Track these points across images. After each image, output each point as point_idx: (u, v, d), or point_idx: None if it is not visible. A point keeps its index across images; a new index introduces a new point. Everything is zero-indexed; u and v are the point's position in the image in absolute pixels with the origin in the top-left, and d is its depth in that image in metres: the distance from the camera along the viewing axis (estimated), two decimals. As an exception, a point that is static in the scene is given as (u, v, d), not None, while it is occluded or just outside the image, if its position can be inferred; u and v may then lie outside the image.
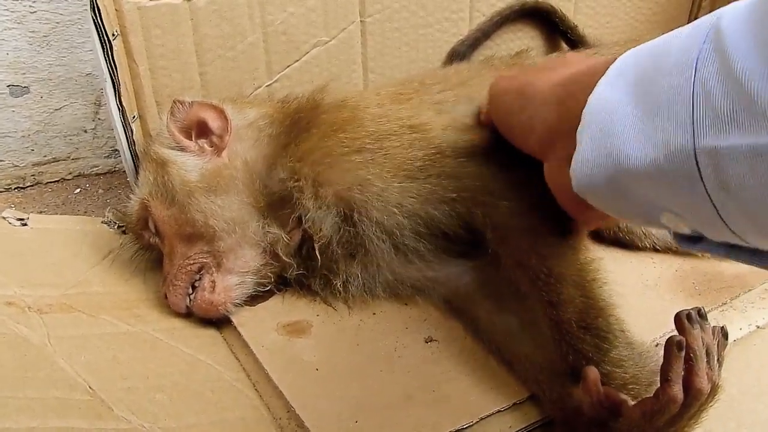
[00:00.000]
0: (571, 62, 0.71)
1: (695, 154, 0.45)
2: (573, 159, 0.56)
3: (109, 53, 0.93)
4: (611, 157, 0.52)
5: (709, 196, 0.46)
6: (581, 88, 0.58)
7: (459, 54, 1.24)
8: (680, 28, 0.52)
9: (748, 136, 0.42)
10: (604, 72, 0.55)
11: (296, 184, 0.85)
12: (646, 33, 1.41)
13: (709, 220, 0.49)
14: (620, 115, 0.51)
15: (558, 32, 1.34)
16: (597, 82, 0.55)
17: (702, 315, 0.65)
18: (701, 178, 0.46)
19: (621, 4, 1.40)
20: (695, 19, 1.47)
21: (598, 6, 1.37)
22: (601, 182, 0.54)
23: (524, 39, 1.33)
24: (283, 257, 0.88)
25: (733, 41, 0.44)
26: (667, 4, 1.46)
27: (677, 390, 0.61)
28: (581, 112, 0.56)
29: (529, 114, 0.70)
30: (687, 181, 0.47)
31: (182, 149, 0.89)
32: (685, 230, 0.54)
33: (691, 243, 0.55)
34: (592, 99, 0.55)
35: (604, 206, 0.58)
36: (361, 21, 1.14)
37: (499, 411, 0.74)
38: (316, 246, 0.87)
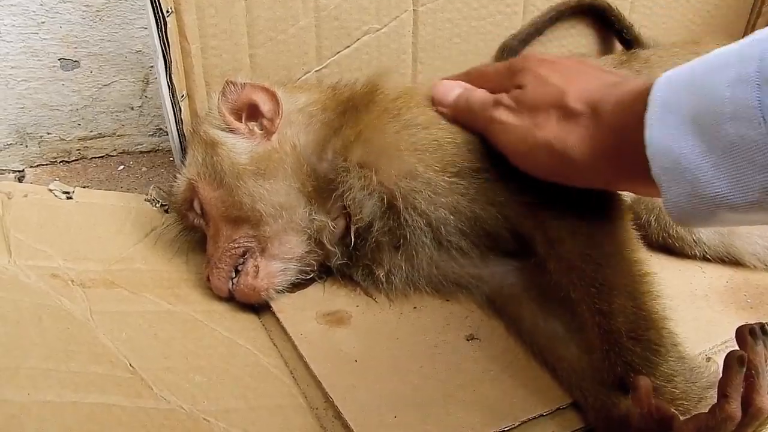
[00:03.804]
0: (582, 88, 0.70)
1: None
2: (664, 201, 0.58)
3: (163, 30, 0.93)
4: (708, 200, 0.55)
5: None
6: (625, 130, 0.61)
7: (510, 49, 1.22)
8: (718, 54, 0.55)
9: None
10: (641, 102, 0.58)
11: (344, 164, 0.84)
12: (704, 35, 1.37)
13: None
14: (694, 162, 0.54)
15: (612, 31, 1.30)
16: (640, 114, 0.58)
17: (765, 331, 0.62)
18: None
19: (678, 4, 1.36)
20: (754, 24, 1.44)
21: (655, 6, 1.33)
22: (704, 216, 0.56)
23: (577, 37, 1.30)
24: (328, 245, 0.88)
25: None
26: (725, 8, 1.41)
27: (735, 407, 0.59)
28: (638, 150, 0.58)
29: (576, 176, 0.71)
30: None
31: (232, 131, 0.88)
32: None
33: None
34: (652, 140, 0.57)
35: (710, 226, 0.63)
36: (413, 10, 1.12)
37: (541, 415, 0.72)
38: (352, 228, 0.86)
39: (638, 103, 0.59)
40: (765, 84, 0.49)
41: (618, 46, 1.32)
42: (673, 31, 1.37)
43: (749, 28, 1.45)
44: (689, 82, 0.56)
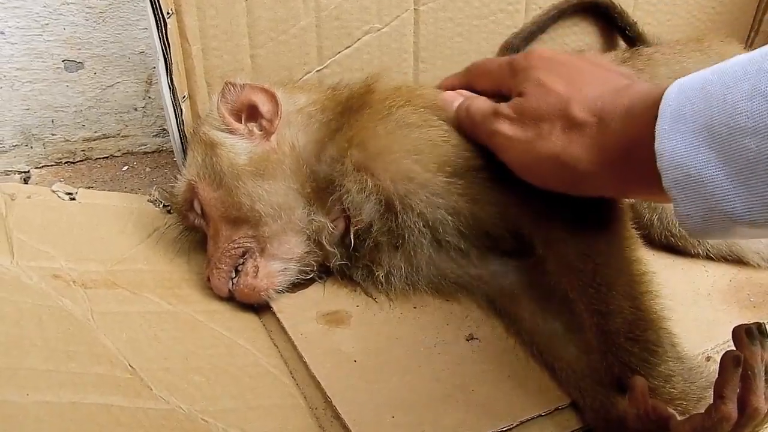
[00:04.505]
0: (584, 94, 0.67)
1: None
2: (676, 214, 0.55)
3: (164, 32, 0.93)
4: (724, 216, 0.52)
5: None
6: (634, 140, 0.59)
7: (513, 47, 1.21)
8: (733, 63, 0.53)
9: None
10: (651, 111, 0.56)
11: (341, 167, 0.84)
12: (708, 32, 1.36)
13: None
14: (708, 176, 0.52)
15: (616, 28, 1.29)
16: (650, 124, 0.55)
17: (762, 331, 0.61)
18: None
19: (683, 1, 1.35)
20: (760, 21, 1.42)
21: (660, 3, 1.32)
22: (720, 231, 0.54)
23: (580, 34, 1.29)
24: (327, 246, 0.88)
25: None
26: (730, 4, 1.40)
27: (731, 408, 0.59)
28: (649, 161, 0.55)
29: (584, 187, 0.69)
30: None
31: (231, 132, 0.88)
32: None
33: None
34: (663, 152, 0.54)
35: (728, 239, 0.61)
36: (415, 9, 1.12)
37: (540, 415, 0.72)
38: (352, 230, 0.86)
39: (648, 111, 0.57)
40: None
41: (621, 44, 1.31)
42: (677, 28, 1.36)
43: (755, 25, 1.43)
44: (703, 91, 0.53)
